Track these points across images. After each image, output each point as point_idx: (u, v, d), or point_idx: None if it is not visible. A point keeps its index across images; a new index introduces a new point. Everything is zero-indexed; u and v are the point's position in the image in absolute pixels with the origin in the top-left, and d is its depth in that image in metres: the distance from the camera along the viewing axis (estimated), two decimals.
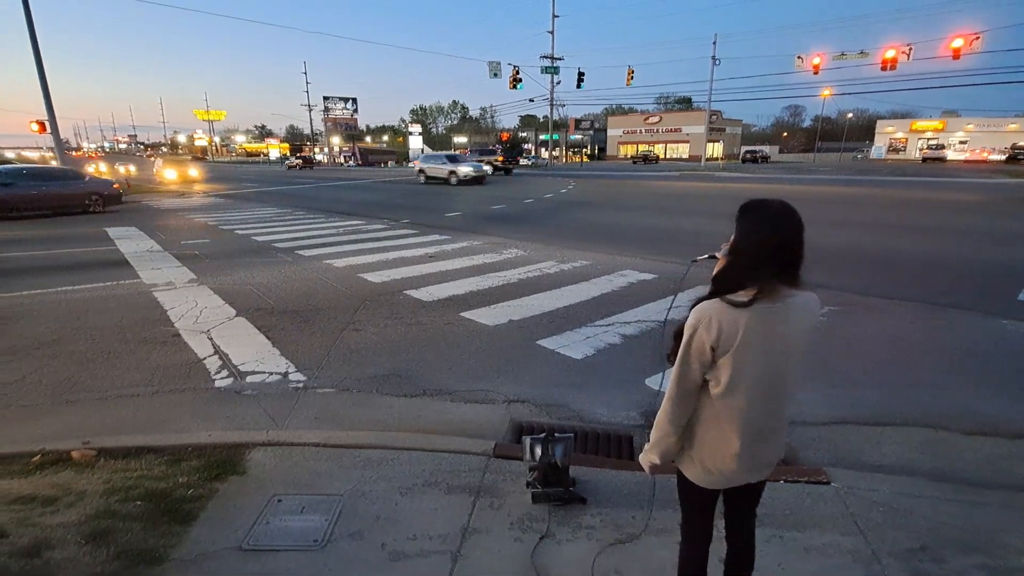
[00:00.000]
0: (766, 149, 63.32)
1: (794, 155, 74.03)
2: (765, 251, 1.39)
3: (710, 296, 1.47)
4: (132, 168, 34.75)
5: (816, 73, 30.07)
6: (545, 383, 4.06)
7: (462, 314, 5.60)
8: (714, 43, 42.27)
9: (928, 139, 56.50)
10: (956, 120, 57.17)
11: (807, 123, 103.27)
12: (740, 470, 1.57)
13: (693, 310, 1.48)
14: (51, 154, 29.67)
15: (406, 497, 2.65)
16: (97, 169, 28.94)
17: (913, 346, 4.74)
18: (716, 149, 67.79)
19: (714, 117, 65.10)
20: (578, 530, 2.45)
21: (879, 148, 60.63)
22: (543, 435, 2.72)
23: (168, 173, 30.91)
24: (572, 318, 5.43)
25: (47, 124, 21.78)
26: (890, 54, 26.83)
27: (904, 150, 59.23)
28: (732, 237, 1.46)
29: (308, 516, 2.49)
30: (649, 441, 1.66)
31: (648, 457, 1.67)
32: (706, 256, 1.77)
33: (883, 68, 27.29)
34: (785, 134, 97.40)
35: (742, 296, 1.41)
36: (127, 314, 5.79)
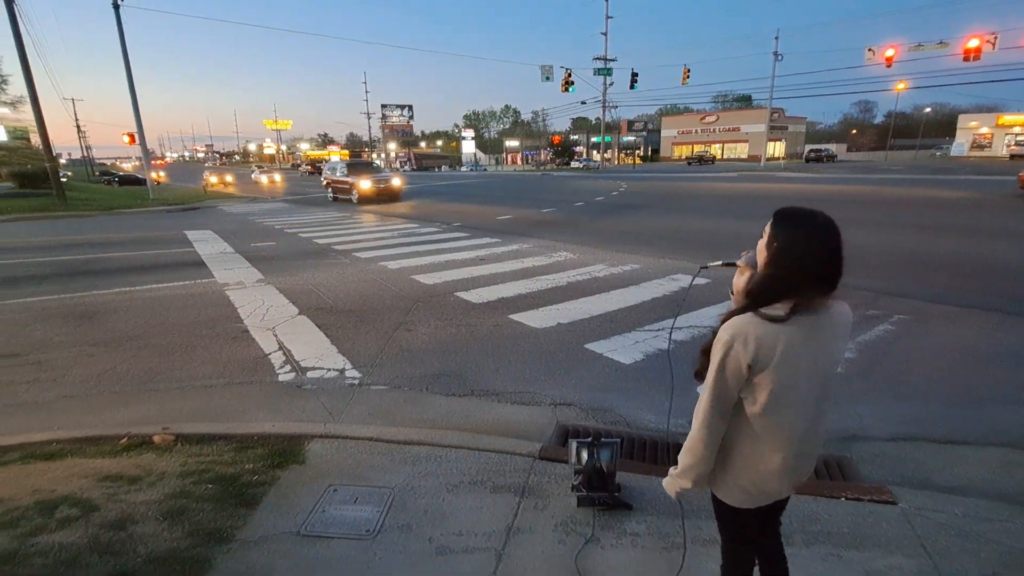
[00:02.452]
0: (832, 147, 60.00)
1: (864, 153, 69.64)
2: (811, 264, 1.32)
3: (744, 310, 1.39)
4: (229, 178, 39.63)
5: (889, 66, 28.20)
6: (592, 387, 4.05)
7: (511, 316, 5.66)
8: (776, 38, 40.54)
9: (1016, 135, 51.63)
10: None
11: (879, 119, 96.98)
12: (780, 487, 1.52)
13: (724, 326, 1.40)
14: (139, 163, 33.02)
15: (453, 494, 2.73)
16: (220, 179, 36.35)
17: (990, 359, 4.37)
18: (777, 148, 64.83)
19: (775, 115, 62.30)
20: (623, 536, 2.44)
21: (960, 145, 55.92)
22: (589, 439, 2.72)
23: (263, 178, 37.79)
24: (622, 322, 5.37)
25: (136, 137, 23.77)
26: (973, 44, 24.78)
27: (989, 146, 54.33)
28: (766, 246, 1.39)
29: (361, 507, 2.61)
30: (678, 466, 1.56)
31: (678, 483, 1.57)
32: (719, 263, 1.68)
33: (965, 59, 25.24)
34: (854, 131, 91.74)
35: (779, 310, 1.34)
36: (203, 311, 6.25)
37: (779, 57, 39.47)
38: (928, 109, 74.67)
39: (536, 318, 5.58)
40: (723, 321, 1.42)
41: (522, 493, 2.74)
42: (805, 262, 1.32)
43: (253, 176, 41.92)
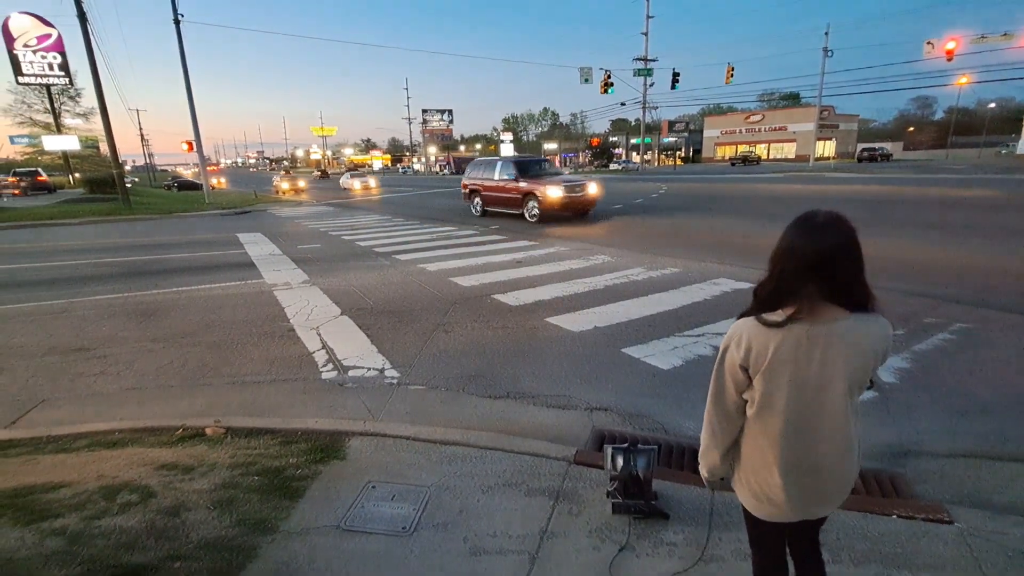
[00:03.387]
0: (887, 146, 57.02)
1: (922, 152, 65.78)
2: (801, 266, 1.27)
3: (749, 313, 1.40)
4: (302, 183, 38.78)
5: (950, 59, 26.63)
6: (629, 392, 4.00)
7: (547, 319, 5.66)
8: (826, 33, 38.93)
9: None
10: None
11: (938, 115, 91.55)
12: (788, 504, 1.45)
13: (731, 327, 1.44)
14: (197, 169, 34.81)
15: (488, 495, 2.75)
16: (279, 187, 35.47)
17: None
18: (827, 147, 62.25)
19: (825, 113, 59.79)
20: (659, 545, 2.40)
21: None
22: (625, 445, 2.70)
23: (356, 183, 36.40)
24: (660, 326, 5.28)
25: (193, 144, 25.10)
26: None
27: None
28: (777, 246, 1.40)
29: (398, 504, 2.67)
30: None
31: (700, 467, 1.67)
32: None
33: None
34: (911, 129, 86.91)
35: (777, 315, 1.32)
36: (252, 310, 6.54)
37: (829, 53, 37.88)
38: (992, 104, 69.87)
39: (573, 321, 5.56)
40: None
41: (556, 497, 2.73)
42: (795, 263, 1.28)
43: (275, 181, 41.21)
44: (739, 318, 1.44)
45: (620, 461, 2.66)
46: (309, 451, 3.11)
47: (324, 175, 69.59)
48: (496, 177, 15.25)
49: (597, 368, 4.43)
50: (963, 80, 41.86)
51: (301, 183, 37.94)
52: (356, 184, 34.78)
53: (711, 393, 1.51)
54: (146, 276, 8.89)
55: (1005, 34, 24.72)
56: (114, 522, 2.45)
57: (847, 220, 1.29)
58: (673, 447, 3.29)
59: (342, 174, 47.74)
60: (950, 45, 26.23)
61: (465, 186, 16.82)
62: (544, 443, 3.24)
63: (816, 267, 1.26)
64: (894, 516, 2.52)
